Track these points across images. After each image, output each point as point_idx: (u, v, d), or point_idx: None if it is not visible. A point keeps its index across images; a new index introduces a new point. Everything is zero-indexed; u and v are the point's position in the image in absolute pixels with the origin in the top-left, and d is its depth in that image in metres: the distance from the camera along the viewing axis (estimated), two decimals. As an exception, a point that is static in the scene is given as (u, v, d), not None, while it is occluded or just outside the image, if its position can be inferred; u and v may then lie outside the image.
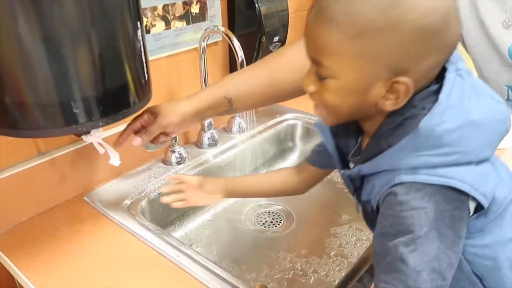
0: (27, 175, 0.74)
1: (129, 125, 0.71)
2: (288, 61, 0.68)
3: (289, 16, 1.05)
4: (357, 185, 0.52)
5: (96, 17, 0.51)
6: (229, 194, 0.74)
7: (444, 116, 0.42)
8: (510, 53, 0.67)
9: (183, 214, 0.93)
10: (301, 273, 0.81)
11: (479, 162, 0.45)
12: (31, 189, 0.76)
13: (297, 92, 0.68)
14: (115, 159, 0.70)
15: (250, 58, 1.03)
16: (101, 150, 0.69)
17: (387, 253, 0.43)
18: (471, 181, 0.44)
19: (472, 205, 0.46)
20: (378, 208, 0.48)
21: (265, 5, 0.97)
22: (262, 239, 0.91)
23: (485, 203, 0.45)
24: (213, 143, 1.00)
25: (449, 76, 0.44)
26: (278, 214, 0.98)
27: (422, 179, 0.43)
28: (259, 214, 0.98)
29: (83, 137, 0.68)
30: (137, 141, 0.69)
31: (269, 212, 0.99)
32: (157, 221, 0.84)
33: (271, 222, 0.95)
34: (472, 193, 0.43)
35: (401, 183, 0.44)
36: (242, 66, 0.83)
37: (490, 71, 0.71)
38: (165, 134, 0.72)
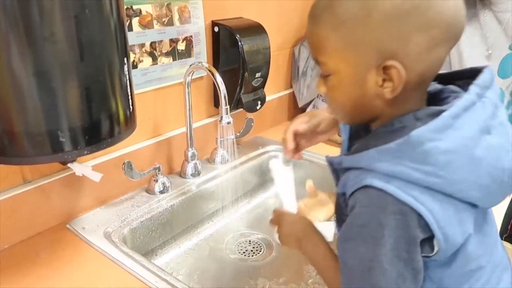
0: (11, 202, 0.76)
1: (288, 133, 0.70)
2: None
3: (271, 53, 1.11)
4: (340, 177, 0.50)
5: (86, 53, 0.56)
6: None
7: (440, 134, 0.40)
8: None
9: (165, 242, 0.95)
10: (279, 301, 0.83)
11: (462, 202, 0.42)
12: (15, 217, 0.78)
13: None
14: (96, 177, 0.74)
15: (234, 93, 1.08)
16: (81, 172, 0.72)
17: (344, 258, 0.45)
18: (439, 216, 0.41)
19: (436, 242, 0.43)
20: (347, 204, 0.47)
21: (247, 43, 1.04)
22: (242, 268, 0.92)
23: (440, 238, 0.42)
24: (196, 173, 1.03)
25: (466, 97, 0.42)
26: (258, 243, 1.00)
27: (391, 190, 0.41)
28: (240, 243, 1.00)
29: (69, 164, 0.71)
30: (300, 156, 0.71)
31: (249, 241, 1.01)
32: (138, 249, 0.85)
33: (251, 250, 0.97)
34: (434, 226, 0.41)
35: (370, 186, 0.43)
36: (224, 100, 0.88)
37: None
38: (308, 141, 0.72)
